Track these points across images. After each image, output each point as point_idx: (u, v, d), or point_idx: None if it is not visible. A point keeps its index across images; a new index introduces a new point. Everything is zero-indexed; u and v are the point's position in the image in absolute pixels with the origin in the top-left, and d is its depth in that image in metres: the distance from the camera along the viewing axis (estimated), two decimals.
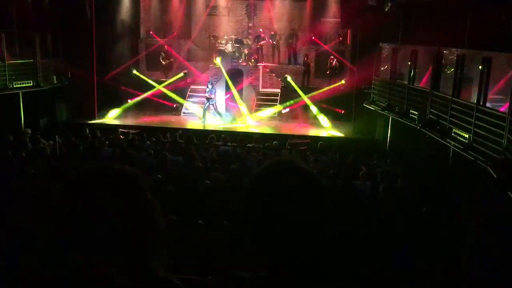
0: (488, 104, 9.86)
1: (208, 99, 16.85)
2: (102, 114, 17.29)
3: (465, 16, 10.65)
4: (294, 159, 1.48)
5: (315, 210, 1.36)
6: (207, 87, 16.89)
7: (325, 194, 1.40)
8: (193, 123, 17.07)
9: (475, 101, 9.83)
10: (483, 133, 9.34)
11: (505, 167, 8.04)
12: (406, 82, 13.44)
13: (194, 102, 18.55)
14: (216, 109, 17.13)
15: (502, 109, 9.67)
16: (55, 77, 15.86)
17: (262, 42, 20.31)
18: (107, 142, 12.51)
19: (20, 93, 14.63)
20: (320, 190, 1.40)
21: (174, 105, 18.46)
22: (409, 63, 13.28)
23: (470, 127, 9.78)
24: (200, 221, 7.30)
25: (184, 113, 18.36)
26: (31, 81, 14.83)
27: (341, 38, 19.94)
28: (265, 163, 1.47)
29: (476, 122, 9.57)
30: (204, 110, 17.00)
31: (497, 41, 9.46)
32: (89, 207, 1.30)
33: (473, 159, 9.25)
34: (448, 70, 13.04)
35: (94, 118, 16.90)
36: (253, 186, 1.42)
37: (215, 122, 17.12)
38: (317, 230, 1.36)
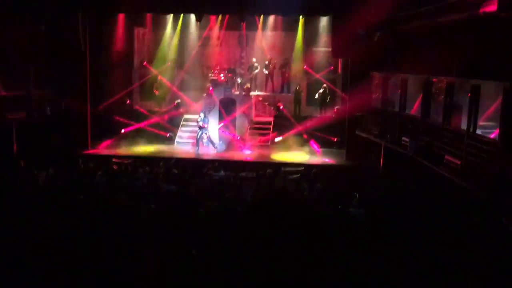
0: (478, 131, 9.97)
1: (200, 128, 16.94)
2: (96, 144, 17.27)
3: (453, 45, 10.87)
4: (287, 190, 1.48)
5: (309, 239, 1.36)
6: (200, 116, 17.00)
7: (319, 223, 1.40)
8: (186, 152, 17.08)
9: (466, 128, 9.95)
10: (474, 159, 9.41)
11: (492, 187, 8.07)
12: (397, 110, 13.59)
13: (187, 131, 18.63)
14: (209, 138, 17.19)
15: (492, 136, 9.78)
16: (48, 108, 15.90)
17: (256, 71, 20.56)
18: (99, 172, 12.47)
19: (14, 124, 14.63)
20: (313, 220, 1.39)
21: (168, 135, 18.51)
22: (399, 91, 13.46)
23: (461, 153, 9.86)
24: (193, 251, 7.23)
25: (177, 142, 18.39)
26: (25, 112, 14.86)
27: (332, 67, 20.23)
28: (259, 194, 1.47)
29: (467, 149, 9.66)
30: (197, 139, 17.08)
31: (484, 69, 9.64)
32: (84, 239, 1.31)
33: (466, 185, 9.29)
34: (438, 97, 13.22)
35: (87, 148, 16.87)
36: (247, 217, 1.41)
37: (208, 151, 17.15)
38: (312, 259, 1.35)
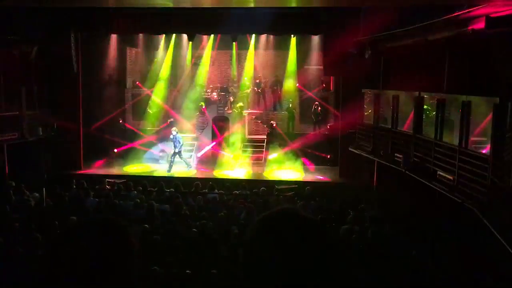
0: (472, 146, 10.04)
1: (174, 146, 16.85)
2: (88, 164, 17.20)
3: (442, 62, 11.01)
4: (296, 208, 1.41)
5: (322, 259, 1.30)
6: (172, 134, 16.93)
7: (332, 243, 1.34)
8: (179, 171, 17.03)
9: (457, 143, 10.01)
10: (467, 174, 9.46)
11: (484, 202, 8.09)
12: (390, 126, 13.66)
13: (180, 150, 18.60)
14: (181, 156, 17.08)
15: (484, 151, 9.84)
16: (40, 128, 15.85)
17: (247, 90, 20.66)
18: (92, 193, 12.39)
19: (5, 145, 14.55)
20: (326, 239, 1.34)
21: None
22: (391, 107, 13.55)
23: (454, 169, 9.91)
24: (188, 271, 7.18)
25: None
26: (16, 133, 14.80)
27: (324, 85, 20.38)
28: (267, 212, 1.39)
29: (459, 164, 9.71)
30: (171, 158, 17.02)
31: (474, 85, 9.75)
32: (79, 264, 1.29)
33: (459, 200, 9.32)
34: (430, 114, 13.32)
35: (80, 169, 16.79)
36: (256, 236, 1.34)
37: (180, 169, 17.05)
38: (323, 280, 1.29)
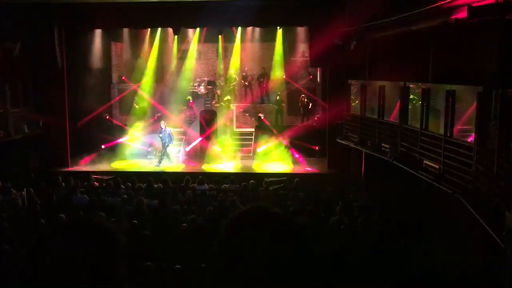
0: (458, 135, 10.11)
1: (163, 140, 16.87)
2: (76, 161, 17.05)
3: (427, 51, 11.08)
4: (268, 202, 1.44)
5: (292, 253, 1.32)
6: (161, 128, 16.89)
7: (302, 237, 1.36)
8: (167, 166, 16.99)
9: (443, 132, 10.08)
10: (452, 163, 9.54)
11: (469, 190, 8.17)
12: (376, 117, 13.73)
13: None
14: (165, 150, 17.11)
15: (470, 139, 9.92)
16: (26, 126, 15.69)
17: (234, 83, 20.63)
18: (80, 190, 12.31)
19: None
20: (295, 234, 1.36)
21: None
22: (377, 98, 13.61)
23: (440, 158, 9.99)
24: (177, 266, 7.19)
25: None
26: (1, 131, 14.64)
27: (311, 76, 20.41)
28: (237, 211, 1.43)
29: (445, 153, 9.79)
30: (162, 152, 17.06)
31: (458, 74, 9.83)
32: (60, 267, 1.29)
33: (445, 189, 9.41)
34: (416, 103, 13.40)
35: (67, 166, 16.65)
36: (229, 233, 1.37)
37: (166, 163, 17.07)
38: (295, 273, 1.31)
